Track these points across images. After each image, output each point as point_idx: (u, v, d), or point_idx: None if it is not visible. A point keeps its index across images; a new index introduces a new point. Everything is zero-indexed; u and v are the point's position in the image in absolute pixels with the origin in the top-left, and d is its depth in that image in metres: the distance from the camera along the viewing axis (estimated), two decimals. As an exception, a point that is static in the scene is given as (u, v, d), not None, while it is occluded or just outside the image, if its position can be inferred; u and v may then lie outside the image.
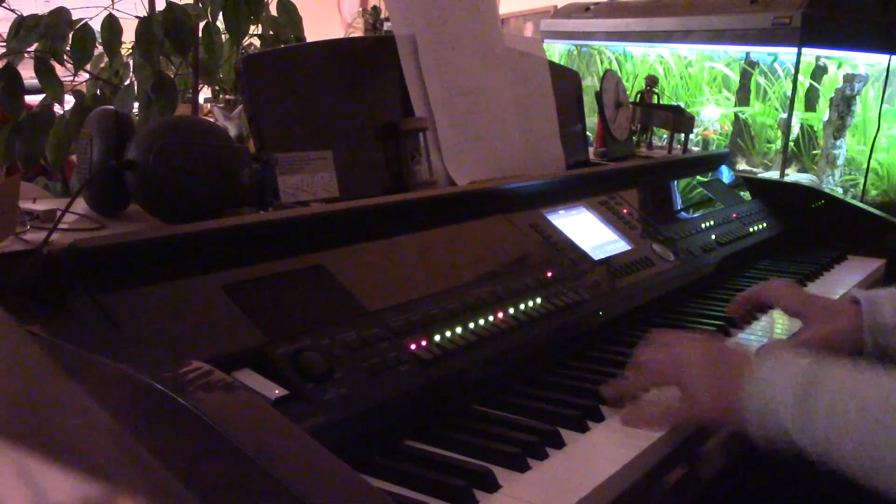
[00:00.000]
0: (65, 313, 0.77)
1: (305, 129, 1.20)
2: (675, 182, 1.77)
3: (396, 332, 0.90)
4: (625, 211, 1.47)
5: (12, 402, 0.35)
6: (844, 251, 1.81)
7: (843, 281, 1.62)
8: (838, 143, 2.75)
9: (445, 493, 0.74)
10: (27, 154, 1.58)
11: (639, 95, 2.19)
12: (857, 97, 2.73)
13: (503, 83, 1.49)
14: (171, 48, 1.60)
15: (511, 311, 1.05)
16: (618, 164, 1.75)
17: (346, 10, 5.64)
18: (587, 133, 1.79)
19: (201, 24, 1.67)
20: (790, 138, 2.79)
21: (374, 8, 3.92)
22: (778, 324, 1.34)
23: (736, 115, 3.06)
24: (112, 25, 1.64)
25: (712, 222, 1.66)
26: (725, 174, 1.96)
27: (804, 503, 1.10)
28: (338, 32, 4.94)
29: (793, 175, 2.82)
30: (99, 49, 1.71)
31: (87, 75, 1.80)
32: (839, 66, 2.85)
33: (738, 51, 3.01)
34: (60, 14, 1.62)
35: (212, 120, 1.56)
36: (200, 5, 1.66)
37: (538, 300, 1.09)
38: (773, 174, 2.73)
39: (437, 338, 0.93)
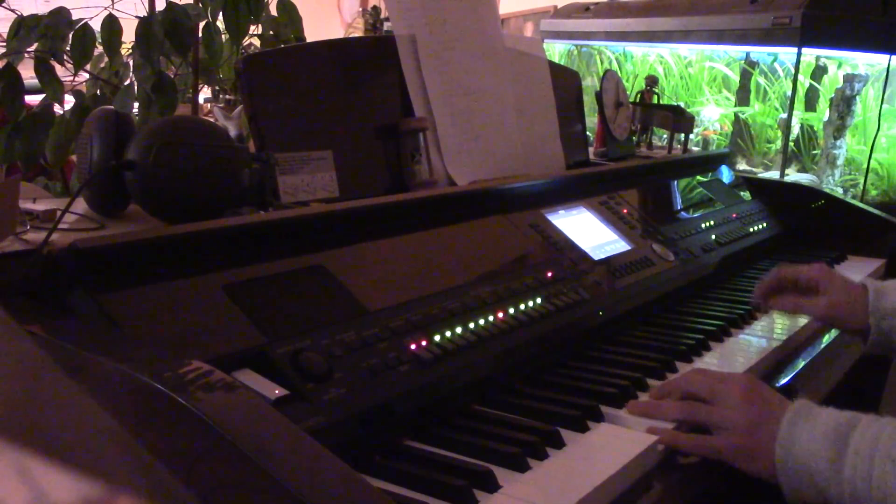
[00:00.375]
0: (65, 313, 0.77)
1: (305, 129, 1.20)
2: (675, 182, 1.77)
3: (396, 332, 0.90)
4: (625, 211, 1.47)
5: (12, 402, 0.35)
6: (844, 251, 1.81)
7: (843, 281, 1.61)
8: (838, 143, 2.76)
9: (445, 493, 0.74)
10: (27, 154, 1.58)
11: (639, 95, 2.19)
12: (857, 97, 2.73)
13: (503, 83, 1.49)
14: (171, 48, 1.61)
15: (511, 311, 1.05)
16: (618, 164, 1.75)
17: (346, 10, 5.64)
18: (587, 133, 1.79)
19: (201, 24, 1.68)
20: (790, 138, 2.79)
21: (374, 8, 3.93)
22: (777, 324, 1.34)
23: (736, 115, 3.06)
24: (112, 25, 1.64)
25: (712, 222, 1.66)
26: (725, 174, 1.96)
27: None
28: (338, 32, 4.95)
29: (793, 175, 2.82)
30: (99, 49, 1.71)
31: (87, 75, 1.80)
32: (839, 66, 2.85)
33: (738, 51, 3.01)
34: (60, 14, 1.62)
35: (212, 120, 1.56)
36: (200, 5, 1.66)
37: (538, 300, 1.09)
38: (773, 174, 2.73)
39: (437, 338, 0.93)
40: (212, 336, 0.79)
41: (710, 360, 1.15)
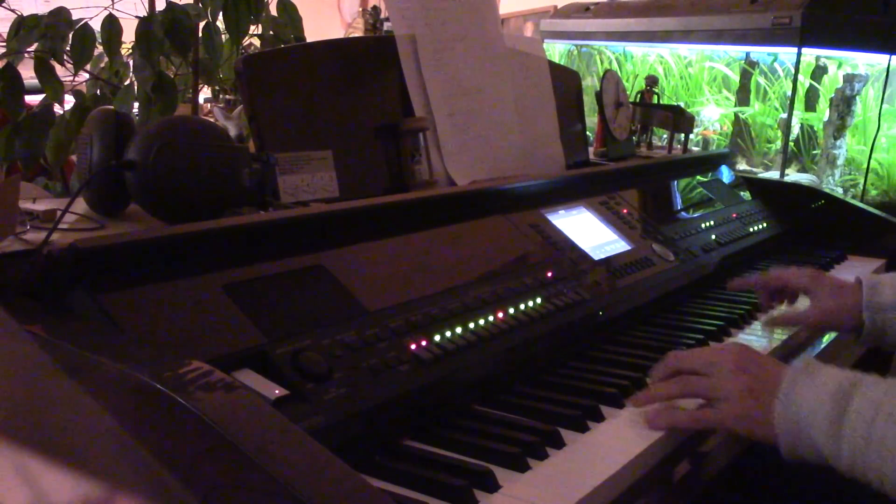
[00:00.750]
0: (65, 313, 0.77)
1: (305, 129, 1.20)
2: (675, 182, 1.76)
3: (396, 332, 0.90)
4: (625, 211, 1.47)
5: (12, 402, 0.35)
6: (844, 251, 1.81)
7: (843, 281, 1.61)
8: (838, 143, 2.76)
9: (445, 493, 0.74)
10: (27, 154, 1.58)
11: (639, 95, 2.19)
12: (857, 97, 2.73)
13: (503, 83, 1.49)
14: (171, 48, 1.61)
15: (511, 311, 1.04)
16: (618, 164, 1.75)
17: (346, 10, 5.64)
18: (587, 133, 1.79)
19: (201, 24, 1.68)
20: (790, 138, 2.79)
21: (374, 8, 3.92)
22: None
23: (736, 115, 3.06)
24: (112, 25, 1.64)
25: (712, 222, 1.66)
26: (725, 174, 1.96)
27: (806, 501, 1.10)
28: (338, 32, 4.95)
29: (793, 175, 2.82)
30: (99, 49, 1.71)
31: (87, 75, 1.80)
32: (839, 66, 2.85)
33: (738, 51, 3.01)
34: (60, 14, 1.62)
35: (212, 120, 1.56)
36: (200, 5, 1.66)
37: (538, 300, 1.09)
38: (773, 174, 2.73)
39: (437, 338, 0.93)
40: (212, 336, 0.79)
41: (710, 360, 1.15)
